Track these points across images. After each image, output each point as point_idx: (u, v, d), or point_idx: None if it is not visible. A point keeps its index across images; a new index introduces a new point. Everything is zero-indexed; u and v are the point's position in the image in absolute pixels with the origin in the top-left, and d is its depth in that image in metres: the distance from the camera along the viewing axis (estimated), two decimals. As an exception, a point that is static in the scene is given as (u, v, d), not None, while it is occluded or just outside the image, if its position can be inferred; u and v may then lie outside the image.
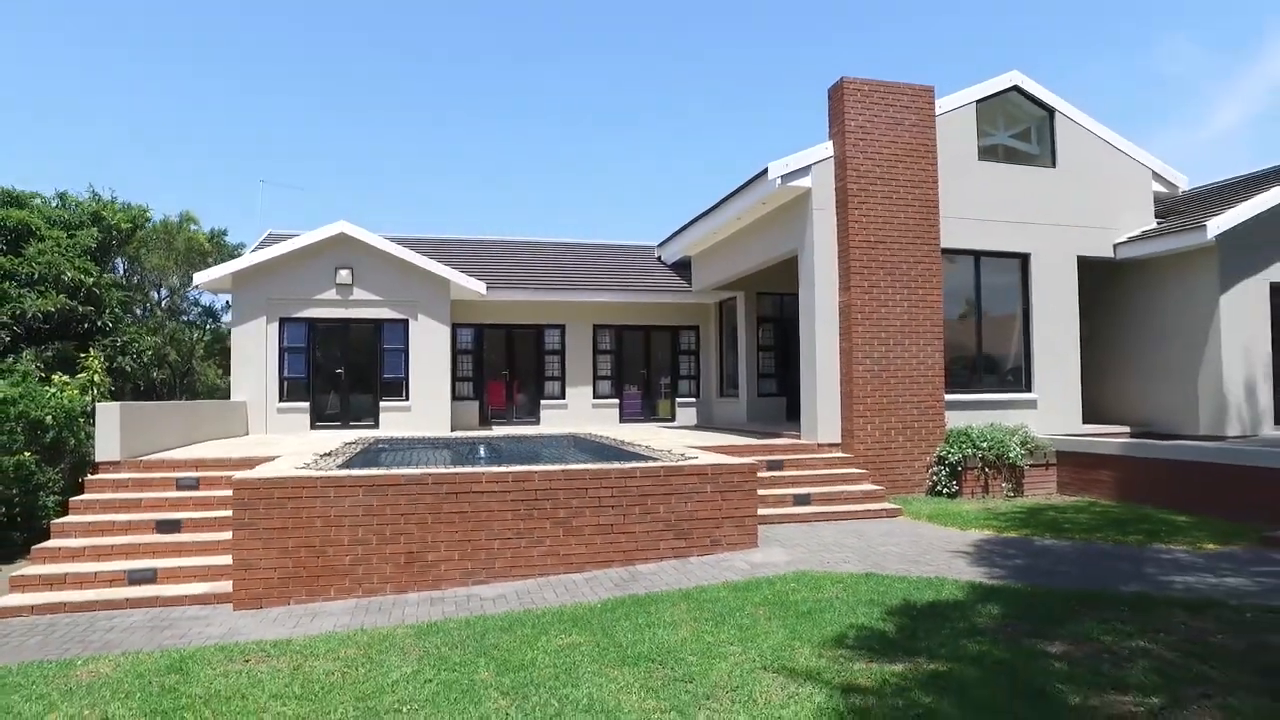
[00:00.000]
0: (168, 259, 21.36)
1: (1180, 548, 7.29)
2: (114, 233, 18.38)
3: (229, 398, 14.23)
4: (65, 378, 10.81)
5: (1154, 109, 65.09)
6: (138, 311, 20.77)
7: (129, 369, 15.51)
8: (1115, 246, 12.34)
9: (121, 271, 21.50)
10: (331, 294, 13.93)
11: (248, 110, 57.16)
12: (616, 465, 7.31)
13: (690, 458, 7.88)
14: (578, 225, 65.21)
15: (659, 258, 18.50)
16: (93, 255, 16.21)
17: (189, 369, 21.17)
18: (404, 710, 4.10)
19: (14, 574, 6.60)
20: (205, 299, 24.66)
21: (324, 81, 61.99)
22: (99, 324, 15.00)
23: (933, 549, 7.56)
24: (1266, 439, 10.78)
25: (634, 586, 6.43)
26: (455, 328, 15.66)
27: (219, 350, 23.36)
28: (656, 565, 7.06)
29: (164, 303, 23.15)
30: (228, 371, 23.30)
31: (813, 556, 7.26)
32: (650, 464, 7.39)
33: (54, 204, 18.24)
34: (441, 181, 67.76)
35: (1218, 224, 10.80)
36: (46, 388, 10.08)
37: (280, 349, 13.80)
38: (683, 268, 17.51)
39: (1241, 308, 11.23)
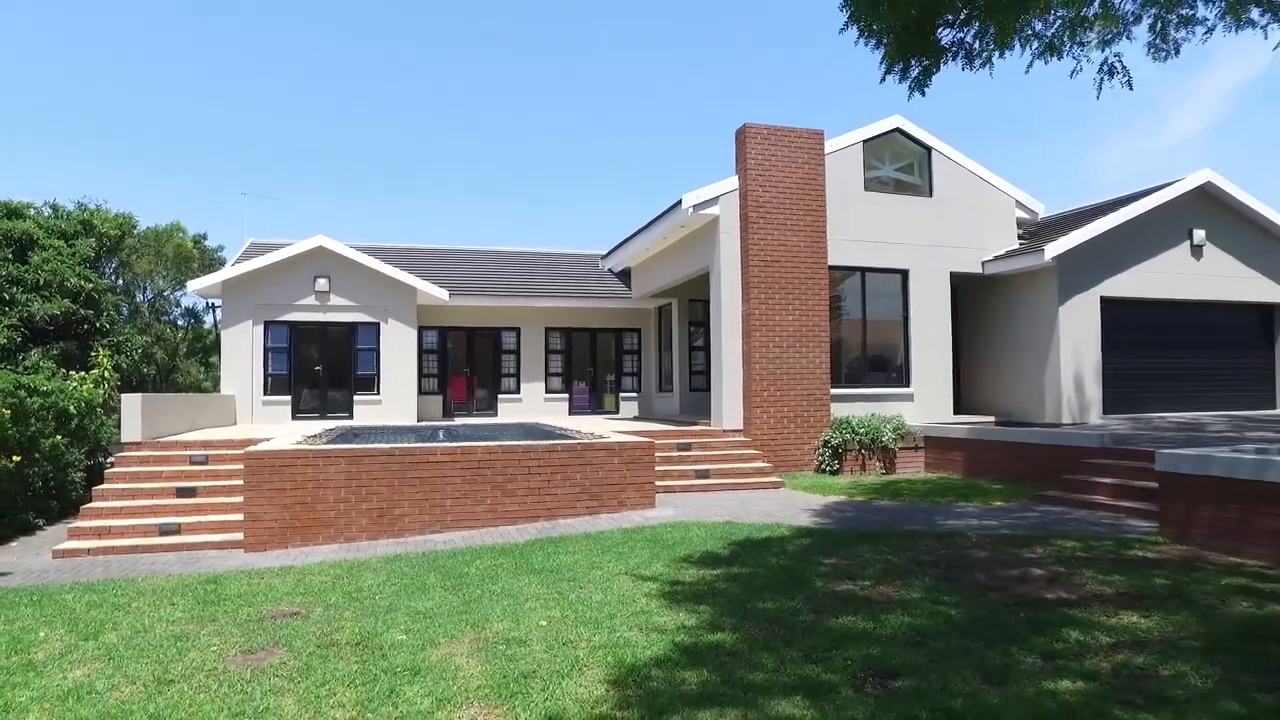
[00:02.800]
0: (157, 264, 22.97)
1: (974, 505, 9.53)
2: (104, 240, 19.98)
3: (209, 392, 15.94)
4: (81, 373, 12.54)
5: (1116, 115, 68.60)
6: (125, 312, 22.30)
7: (124, 365, 17.17)
8: (983, 264, 14.65)
9: (106, 274, 22.98)
10: (311, 300, 15.76)
11: (236, 116, 58.05)
12: (543, 441, 9.35)
13: (602, 437, 9.94)
14: (533, 234, 66.98)
15: (607, 269, 20.52)
16: (89, 262, 17.83)
17: (173, 366, 22.75)
18: (377, 598, 6.10)
19: (71, 526, 8.47)
20: (187, 301, 26.23)
21: (309, 91, 62.99)
22: (98, 325, 16.64)
23: (792, 508, 9.70)
24: (1091, 426, 13.13)
25: (552, 533, 8.47)
26: (421, 329, 17.55)
27: (200, 349, 24.96)
28: (573, 520, 9.11)
29: (149, 305, 24.67)
30: (208, 368, 24.94)
31: (694, 513, 9.36)
32: (569, 441, 9.44)
33: (46, 214, 19.76)
34: (415, 189, 69.09)
35: (1053, 248, 13.13)
36: (69, 381, 11.85)
37: (265, 348, 15.63)
38: (625, 276, 19.56)
39: (1076, 318, 13.59)
